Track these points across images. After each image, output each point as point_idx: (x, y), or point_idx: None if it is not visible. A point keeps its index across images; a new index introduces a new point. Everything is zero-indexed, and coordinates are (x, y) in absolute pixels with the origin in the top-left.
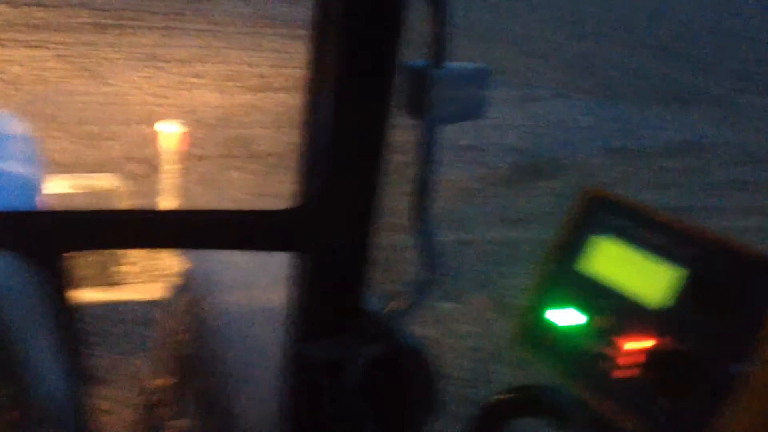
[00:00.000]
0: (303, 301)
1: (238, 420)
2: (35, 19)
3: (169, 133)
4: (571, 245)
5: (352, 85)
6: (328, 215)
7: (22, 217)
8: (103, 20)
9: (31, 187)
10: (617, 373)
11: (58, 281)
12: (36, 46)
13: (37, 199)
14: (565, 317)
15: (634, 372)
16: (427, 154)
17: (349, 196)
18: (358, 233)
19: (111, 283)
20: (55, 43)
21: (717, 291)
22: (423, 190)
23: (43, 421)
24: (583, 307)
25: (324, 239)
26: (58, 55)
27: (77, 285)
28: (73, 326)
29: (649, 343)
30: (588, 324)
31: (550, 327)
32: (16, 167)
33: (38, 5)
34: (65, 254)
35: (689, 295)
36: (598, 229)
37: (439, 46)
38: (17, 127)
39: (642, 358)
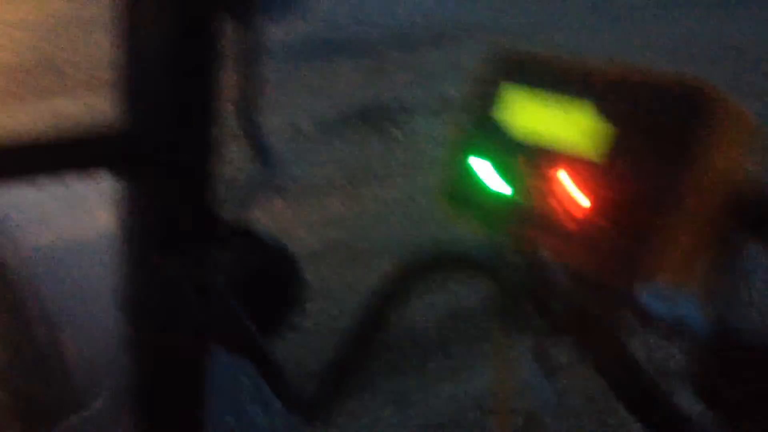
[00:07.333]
0: (147, 220)
1: (76, 374)
2: None
3: None
4: (488, 97)
5: None
6: (161, 127)
7: None
8: None
9: None
10: (538, 215)
11: None
12: None
13: None
14: (487, 168)
15: (555, 214)
16: (251, 50)
17: (183, 106)
18: (196, 143)
19: None
20: None
21: (626, 120)
22: (247, 88)
23: None
24: (502, 156)
25: (159, 154)
26: None
27: None
28: None
29: (565, 181)
30: (508, 173)
31: (474, 179)
32: None
33: None
34: None
35: (601, 130)
36: (513, 80)
37: None
38: None
39: (561, 199)
